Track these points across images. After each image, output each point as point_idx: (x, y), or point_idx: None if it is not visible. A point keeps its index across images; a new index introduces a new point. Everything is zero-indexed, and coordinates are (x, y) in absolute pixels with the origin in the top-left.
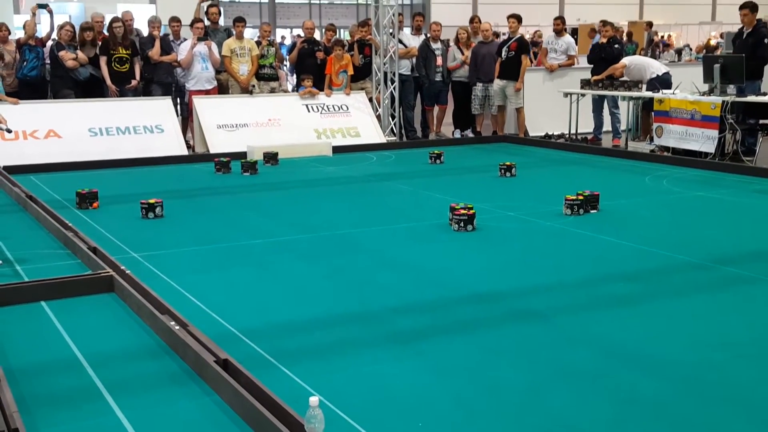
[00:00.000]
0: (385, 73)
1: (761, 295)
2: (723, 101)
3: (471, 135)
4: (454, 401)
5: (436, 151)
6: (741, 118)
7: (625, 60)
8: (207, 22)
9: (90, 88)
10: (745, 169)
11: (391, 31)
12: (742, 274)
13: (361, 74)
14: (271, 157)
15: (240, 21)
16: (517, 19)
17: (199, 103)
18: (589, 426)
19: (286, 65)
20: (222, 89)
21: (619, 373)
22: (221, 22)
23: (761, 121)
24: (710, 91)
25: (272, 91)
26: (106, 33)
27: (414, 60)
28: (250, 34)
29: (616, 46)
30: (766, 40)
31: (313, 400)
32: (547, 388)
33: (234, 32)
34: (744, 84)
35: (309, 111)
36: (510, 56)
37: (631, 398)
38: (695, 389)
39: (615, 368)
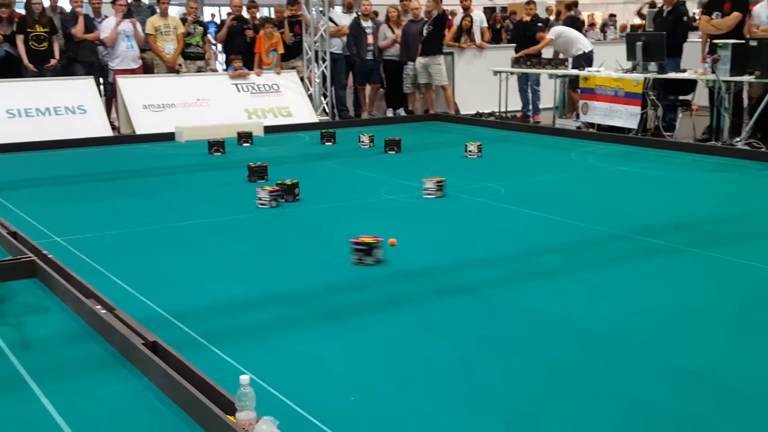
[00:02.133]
0: (317, 52)
1: (680, 264)
2: (645, 78)
3: (403, 114)
4: (386, 375)
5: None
6: (662, 95)
7: (552, 33)
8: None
9: (6, 68)
10: (666, 143)
11: (321, 8)
12: (662, 244)
13: (291, 53)
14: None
15: None
16: None
17: (124, 83)
18: (515, 394)
19: (214, 44)
20: (147, 69)
21: (546, 343)
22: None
23: (681, 97)
24: (633, 69)
25: (200, 70)
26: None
27: (345, 39)
28: (176, 11)
29: (539, 24)
30: (685, 18)
31: (244, 378)
32: (475, 359)
33: (158, 10)
34: (665, 61)
35: (239, 91)
36: (429, 31)
37: (556, 367)
38: (617, 355)
39: (541, 338)
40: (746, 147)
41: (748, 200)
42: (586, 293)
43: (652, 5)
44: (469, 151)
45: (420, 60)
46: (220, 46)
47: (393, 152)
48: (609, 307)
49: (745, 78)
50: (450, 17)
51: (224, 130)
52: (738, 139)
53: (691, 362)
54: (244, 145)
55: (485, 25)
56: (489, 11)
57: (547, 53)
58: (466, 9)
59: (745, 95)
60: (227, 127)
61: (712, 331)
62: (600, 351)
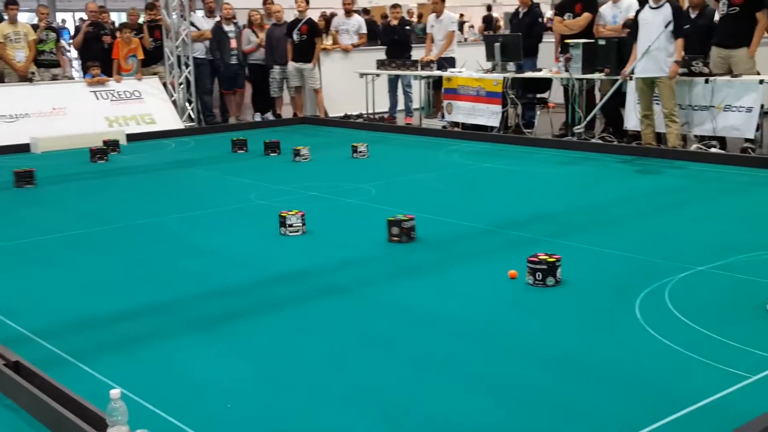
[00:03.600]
0: (179, 57)
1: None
2: (504, 78)
3: (271, 118)
4: (262, 380)
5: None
6: (520, 93)
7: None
8: None
9: None
10: (526, 140)
11: (181, 13)
12: (525, 236)
13: (152, 58)
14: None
15: (12, 4)
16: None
17: None
18: (390, 387)
19: (68, 50)
20: None
21: (418, 336)
22: None
23: (538, 95)
24: (492, 69)
25: (54, 78)
26: None
27: (208, 43)
28: (27, 18)
29: (407, 27)
30: (540, 19)
31: (114, 392)
32: (350, 357)
33: (6, 16)
34: (522, 61)
35: (98, 98)
36: (302, 39)
37: (429, 357)
38: (487, 343)
39: (414, 331)
40: (600, 141)
41: (602, 191)
42: (454, 285)
43: (489, 8)
44: (360, 152)
45: (293, 64)
46: (75, 53)
47: (275, 154)
48: (478, 299)
49: (596, 75)
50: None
51: (84, 140)
52: (592, 133)
53: (558, 347)
54: (99, 162)
55: (364, 30)
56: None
57: (417, 55)
58: (348, 12)
59: (597, 92)
60: (87, 136)
61: (577, 317)
62: (471, 340)
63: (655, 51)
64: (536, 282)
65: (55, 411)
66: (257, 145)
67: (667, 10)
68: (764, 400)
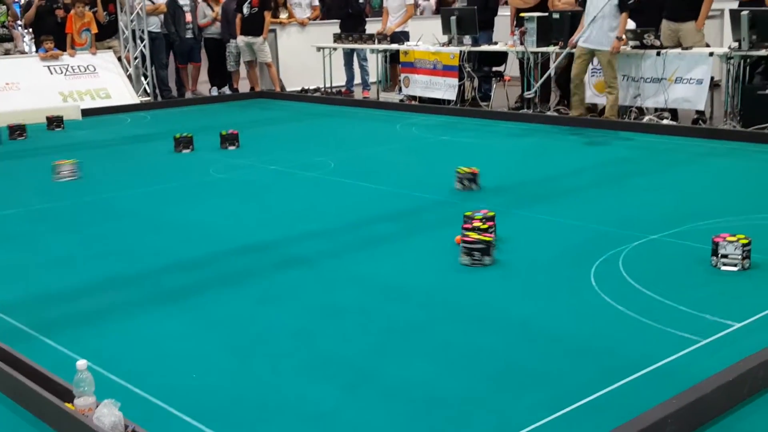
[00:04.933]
0: (133, 31)
1: (501, 225)
2: (460, 51)
3: (228, 92)
4: (228, 350)
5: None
6: (477, 67)
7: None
8: None
9: None
10: (483, 113)
11: None
12: (482, 206)
13: (107, 32)
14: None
15: None
16: None
17: None
18: (353, 356)
19: (20, 24)
20: None
21: (380, 306)
22: None
23: (494, 69)
24: (449, 42)
25: (7, 52)
26: None
27: (163, 17)
28: None
29: (361, 1)
30: None
31: (80, 364)
32: (316, 327)
33: None
34: (478, 34)
35: (52, 73)
36: (253, 12)
37: (391, 327)
38: (442, 311)
39: (376, 302)
40: (554, 113)
41: (557, 162)
42: (415, 257)
43: None
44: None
45: (242, 38)
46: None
47: (233, 148)
48: (437, 268)
49: (550, 48)
50: None
51: (37, 115)
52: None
53: (508, 312)
54: (56, 130)
55: (316, 3)
56: None
57: (372, 29)
58: None
59: (551, 65)
60: (41, 111)
61: (534, 285)
62: (431, 308)
63: (600, 22)
64: (474, 262)
65: (21, 383)
66: (215, 121)
67: None
68: (714, 362)
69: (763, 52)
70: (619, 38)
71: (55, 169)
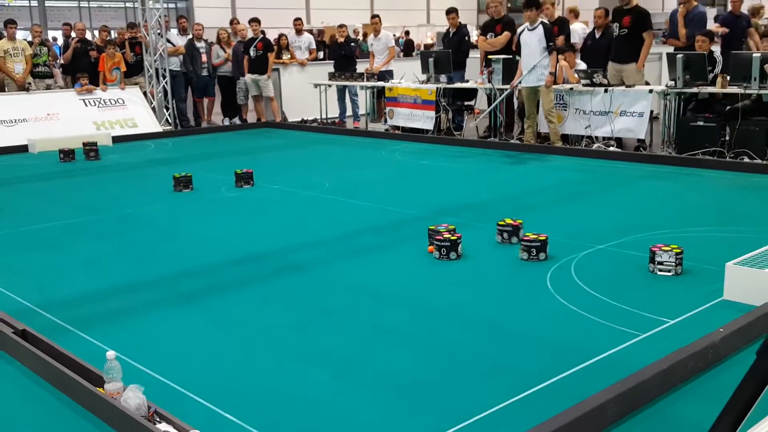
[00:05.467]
0: (157, 69)
1: (471, 236)
2: (437, 88)
3: (238, 122)
4: (234, 345)
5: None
6: (451, 101)
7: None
8: None
9: None
10: (456, 141)
11: (159, 31)
12: (455, 221)
13: (134, 70)
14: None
15: (11, 23)
16: (257, 21)
17: None
18: (344, 349)
19: (60, 63)
20: None
21: (368, 308)
22: None
23: (466, 103)
24: (427, 80)
25: (48, 87)
26: None
27: (182, 57)
28: (22, 35)
29: (352, 44)
30: (467, 38)
31: (110, 354)
32: (311, 325)
33: (5, 33)
34: (452, 73)
35: (87, 105)
36: (258, 54)
37: (377, 325)
38: (418, 310)
39: (364, 304)
40: (517, 141)
41: (520, 184)
42: (398, 264)
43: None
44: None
45: (249, 76)
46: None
47: (248, 187)
48: (416, 274)
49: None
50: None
51: (74, 141)
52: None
53: (475, 311)
54: (90, 159)
55: (314, 46)
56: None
57: (361, 68)
58: (299, 31)
59: (515, 100)
60: (77, 138)
61: (498, 287)
62: (411, 308)
63: (537, 65)
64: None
65: (60, 371)
66: (227, 147)
67: (540, 31)
68: (651, 353)
69: (695, 90)
70: (552, 73)
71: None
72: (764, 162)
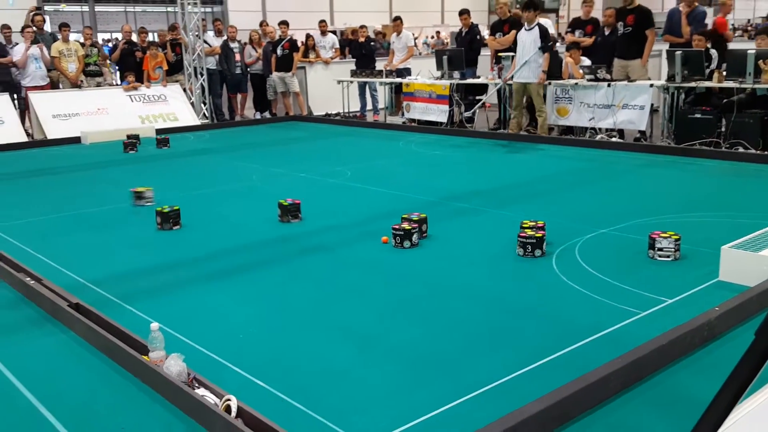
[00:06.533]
0: (195, 68)
1: (479, 220)
2: (450, 84)
3: (268, 116)
4: (264, 318)
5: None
6: (463, 96)
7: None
8: (33, 29)
9: None
10: (468, 132)
11: (197, 33)
12: (467, 207)
13: (174, 69)
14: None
15: (65, 26)
16: (286, 24)
17: (35, 98)
18: (364, 324)
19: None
20: (54, 85)
21: (388, 285)
22: (47, 28)
23: (477, 97)
24: (441, 76)
25: (98, 85)
26: None
27: (217, 57)
28: (75, 37)
29: (372, 43)
30: (478, 37)
31: (154, 325)
32: (333, 300)
33: (60, 36)
34: (464, 70)
35: (132, 101)
36: (284, 54)
37: (389, 300)
38: (436, 288)
39: (383, 281)
40: (525, 133)
41: (527, 172)
42: (416, 247)
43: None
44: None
45: (276, 74)
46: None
47: (296, 221)
48: (432, 254)
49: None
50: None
51: (121, 133)
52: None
53: (487, 290)
54: (130, 152)
55: (337, 46)
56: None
57: (380, 66)
58: (324, 33)
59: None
60: (124, 130)
61: (506, 268)
62: (424, 287)
63: (530, 63)
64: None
65: (108, 340)
66: (258, 138)
67: (536, 32)
68: (650, 330)
69: (692, 84)
70: (544, 71)
71: (136, 195)
72: (758, 152)
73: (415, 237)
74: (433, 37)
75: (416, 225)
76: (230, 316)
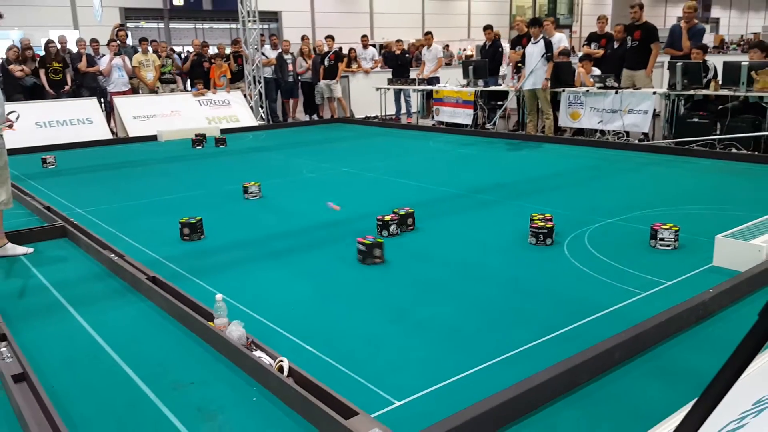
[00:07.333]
0: (254, 77)
1: (501, 211)
2: (475, 90)
3: (316, 118)
4: (313, 292)
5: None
6: (486, 101)
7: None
8: (117, 42)
9: (33, 93)
10: (490, 133)
11: (256, 47)
12: (488, 198)
13: (236, 78)
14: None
15: (144, 40)
16: (332, 38)
17: (119, 101)
18: (398, 300)
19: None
20: (134, 91)
21: (420, 267)
22: (129, 41)
23: (498, 103)
24: (467, 84)
25: (172, 91)
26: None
27: (273, 67)
28: (153, 49)
29: (407, 55)
30: (500, 49)
31: (218, 296)
32: (371, 278)
33: (140, 48)
34: (487, 79)
35: (200, 105)
36: (330, 64)
37: (422, 280)
38: (466, 272)
39: (416, 264)
40: (541, 134)
41: (542, 168)
42: (443, 233)
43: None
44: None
45: (323, 82)
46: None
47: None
48: (459, 241)
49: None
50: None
51: (191, 132)
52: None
53: (503, 272)
54: (197, 148)
55: (377, 57)
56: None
57: (414, 74)
58: (365, 46)
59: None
60: (194, 130)
61: (523, 253)
62: (450, 267)
63: (536, 71)
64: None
65: (180, 308)
66: (307, 137)
67: (541, 44)
68: (650, 308)
69: (691, 92)
70: (547, 79)
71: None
72: (749, 152)
73: (393, 228)
74: (465, 49)
75: (396, 217)
76: (284, 290)
